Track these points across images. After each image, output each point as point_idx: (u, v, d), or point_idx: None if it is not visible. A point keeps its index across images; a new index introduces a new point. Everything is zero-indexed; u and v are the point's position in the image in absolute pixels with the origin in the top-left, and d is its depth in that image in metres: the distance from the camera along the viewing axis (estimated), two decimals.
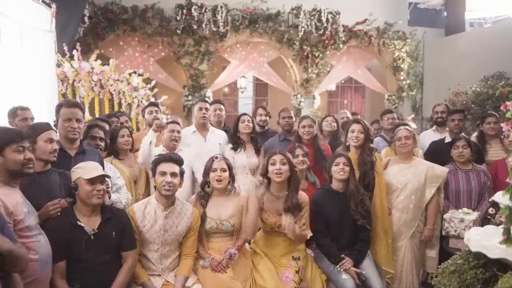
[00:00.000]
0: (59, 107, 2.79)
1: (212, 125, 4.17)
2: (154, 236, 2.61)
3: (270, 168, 2.80)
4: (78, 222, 2.32)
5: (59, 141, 2.57)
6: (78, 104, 2.90)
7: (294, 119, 4.32)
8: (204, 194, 2.87)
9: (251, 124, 3.82)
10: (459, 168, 3.55)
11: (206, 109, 3.96)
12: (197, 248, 2.78)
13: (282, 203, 2.80)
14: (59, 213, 2.33)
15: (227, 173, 2.84)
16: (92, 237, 2.33)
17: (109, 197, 2.76)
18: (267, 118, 4.56)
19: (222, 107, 4.32)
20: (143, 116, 4.27)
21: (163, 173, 2.59)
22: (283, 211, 2.77)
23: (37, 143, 2.40)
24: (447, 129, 4.39)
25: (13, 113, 3.59)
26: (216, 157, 2.87)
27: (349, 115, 5.35)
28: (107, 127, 3.49)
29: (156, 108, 4.13)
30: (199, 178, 3.48)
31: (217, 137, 3.94)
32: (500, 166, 3.60)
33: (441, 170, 3.32)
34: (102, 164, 2.87)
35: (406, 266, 3.24)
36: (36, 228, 2.09)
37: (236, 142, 3.83)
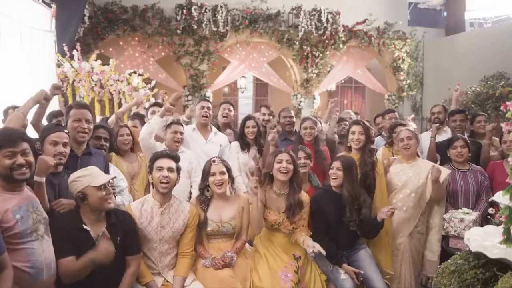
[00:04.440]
0: (69, 109, 2.82)
1: (219, 125, 4.17)
2: (151, 233, 2.62)
3: (276, 166, 2.81)
4: (84, 226, 2.31)
5: (68, 143, 2.54)
6: (87, 105, 2.94)
7: (294, 119, 4.32)
8: (204, 198, 2.86)
9: (255, 129, 3.84)
10: (457, 168, 3.55)
11: (208, 108, 3.94)
12: (196, 248, 2.78)
13: (283, 201, 2.83)
14: (63, 210, 2.37)
15: (226, 176, 2.83)
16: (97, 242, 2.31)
17: (115, 198, 2.79)
18: (271, 117, 4.54)
19: (231, 107, 4.29)
20: (147, 116, 4.27)
21: (160, 168, 2.61)
22: (286, 209, 2.79)
23: (44, 145, 2.42)
24: (444, 129, 4.40)
25: (5, 112, 3.67)
26: (214, 161, 2.86)
27: (352, 115, 5.34)
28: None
29: (159, 109, 4.12)
30: (194, 177, 3.49)
31: (219, 139, 3.94)
32: (497, 168, 3.59)
33: (443, 171, 3.32)
34: (107, 166, 2.89)
35: (404, 266, 3.24)
36: (33, 234, 2.02)
37: (242, 143, 3.85)
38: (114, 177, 2.55)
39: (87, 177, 2.34)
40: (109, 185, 2.39)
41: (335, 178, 2.94)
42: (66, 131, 2.60)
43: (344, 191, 2.94)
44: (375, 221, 2.95)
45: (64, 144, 2.48)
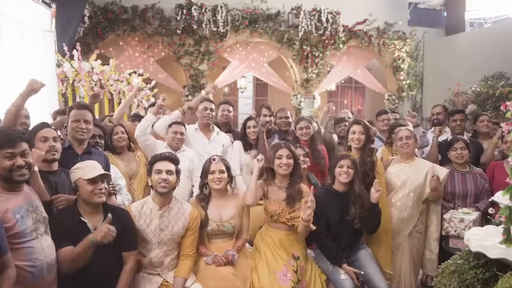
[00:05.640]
0: (70, 109, 2.86)
1: (218, 126, 4.18)
2: (150, 235, 2.62)
3: (277, 161, 2.84)
4: (81, 218, 2.33)
5: (57, 137, 2.57)
6: (88, 106, 2.98)
7: (291, 119, 4.31)
8: (203, 196, 2.88)
9: (256, 129, 3.84)
10: (456, 169, 3.55)
11: (211, 109, 3.94)
12: (197, 248, 2.78)
13: (284, 192, 2.87)
14: (62, 206, 2.39)
15: (225, 174, 2.85)
16: None
17: (116, 198, 2.82)
18: (271, 118, 4.52)
19: (230, 108, 4.29)
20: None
21: (159, 171, 2.61)
22: (286, 198, 2.84)
23: (34, 145, 2.42)
24: (445, 130, 4.40)
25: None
26: (214, 159, 2.87)
27: (350, 115, 5.35)
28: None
29: (160, 104, 4.13)
30: (196, 177, 3.49)
31: (221, 139, 3.93)
32: (497, 169, 3.58)
33: (442, 171, 3.32)
34: (108, 166, 2.90)
35: (404, 266, 3.25)
36: (33, 234, 2.03)
37: (244, 143, 3.85)
38: (109, 174, 2.54)
39: (81, 169, 2.38)
40: (103, 181, 2.39)
41: (347, 176, 2.94)
42: (53, 127, 2.62)
43: (355, 188, 2.96)
44: (373, 209, 2.93)
45: (54, 139, 2.50)
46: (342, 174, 2.95)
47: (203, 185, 2.89)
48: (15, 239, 1.96)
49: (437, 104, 4.79)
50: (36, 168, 2.24)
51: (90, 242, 2.20)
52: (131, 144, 3.68)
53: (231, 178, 2.93)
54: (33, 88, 2.68)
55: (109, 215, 2.31)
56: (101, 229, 2.23)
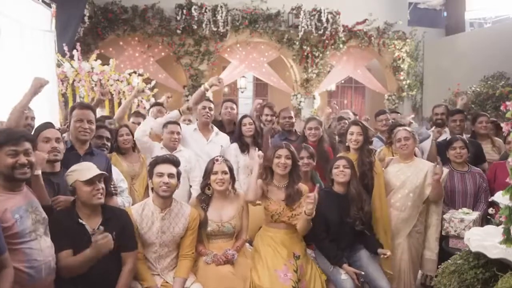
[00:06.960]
0: (72, 109, 2.86)
1: (222, 124, 4.16)
2: (152, 238, 2.61)
3: (275, 160, 2.86)
4: (79, 220, 2.32)
5: (60, 138, 2.56)
6: (91, 106, 2.98)
7: (294, 119, 4.31)
8: (205, 197, 2.87)
9: (252, 127, 3.81)
10: (455, 169, 3.55)
11: (210, 108, 3.90)
12: (196, 247, 2.77)
13: (283, 192, 2.89)
14: (60, 207, 2.39)
15: (228, 175, 2.84)
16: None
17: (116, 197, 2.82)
18: (273, 118, 4.48)
19: (234, 106, 4.31)
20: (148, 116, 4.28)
21: (161, 174, 2.59)
22: (285, 198, 2.85)
23: (37, 144, 2.42)
24: (445, 130, 4.40)
25: None
26: (217, 160, 2.87)
27: (351, 115, 5.34)
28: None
29: (160, 108, 4.14)
30: (193, 177, 3.49)
31: (220, 140, 3.91)
32: (499, 169, 3.57)
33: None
34: (110, 168, 2.89)
35: (404, 266, 3.24)
36: (32, 234, 2.02)
37: (241, 144, 3.82)
38: (106, 174, 2.52)
39: (77, 171, 2.36)
40: (101, 181, 2.38)
41: (344, 175, 2.96)
42: (57, 127, 2.63)
43: (352, 188, 2.99)
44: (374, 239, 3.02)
45: (57, 140, 2.49)
46: (339, 174, 2.98)
47: (205, 185, 2.87)
48: (14, 239, 1.95)
49: (440, 104, 4.77)
50: (39, 172, 2.24)
51: (89, 257, 2.22)
52: (136, 144, 3.68)
53: (233, 179, 2.92)
54: (40, 85, 2.76)
55: (101, 227, 2.29)
56: (96, 242, 2.23)
